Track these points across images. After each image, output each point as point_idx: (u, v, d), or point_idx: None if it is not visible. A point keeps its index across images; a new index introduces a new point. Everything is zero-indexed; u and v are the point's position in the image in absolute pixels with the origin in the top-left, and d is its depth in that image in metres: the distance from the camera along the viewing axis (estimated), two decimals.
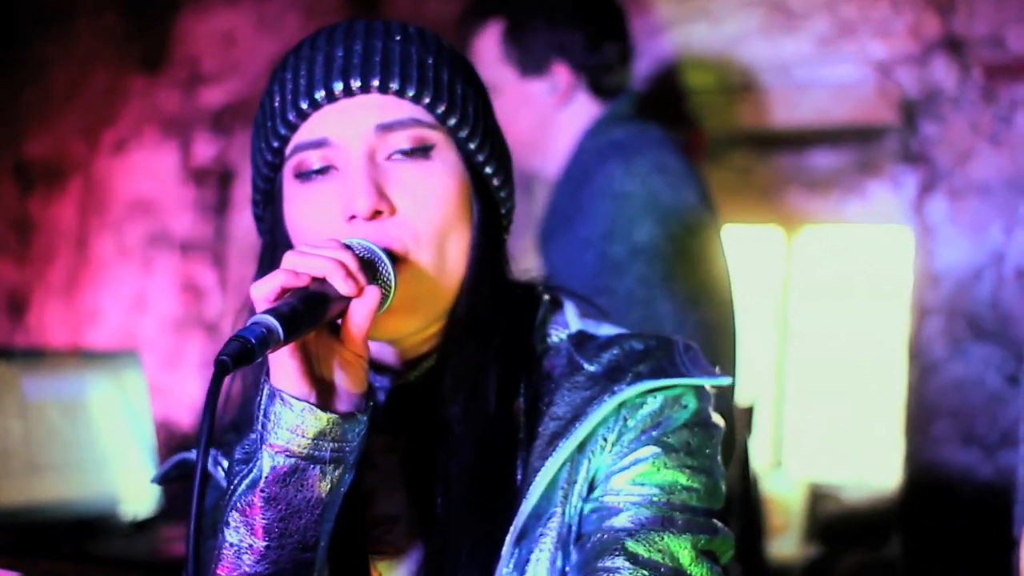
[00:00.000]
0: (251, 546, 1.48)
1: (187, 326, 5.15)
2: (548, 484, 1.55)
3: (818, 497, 4.55)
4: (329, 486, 1.48)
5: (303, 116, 1.57)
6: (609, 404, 1.57)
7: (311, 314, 1.40)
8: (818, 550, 4.47)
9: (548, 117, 3.24)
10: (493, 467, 1.57)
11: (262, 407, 1.47)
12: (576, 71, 3.23)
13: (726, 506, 1.64)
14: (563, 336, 1.68)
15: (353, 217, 1.53)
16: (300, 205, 1.58)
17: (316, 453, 1.46)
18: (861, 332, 4.77)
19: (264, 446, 1.47)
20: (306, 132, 1.57)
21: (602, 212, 2.99)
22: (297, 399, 1.45)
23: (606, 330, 1.69)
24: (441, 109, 1.58)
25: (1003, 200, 4.02)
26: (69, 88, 5.16)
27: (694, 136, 4.50)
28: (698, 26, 4.58)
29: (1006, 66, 4.08)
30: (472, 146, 1.61)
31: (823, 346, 4.81)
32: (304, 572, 1.51)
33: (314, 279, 1.42)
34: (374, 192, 1.52)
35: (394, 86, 1.55)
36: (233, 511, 1.50)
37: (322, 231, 1.54)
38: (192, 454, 1.70)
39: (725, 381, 1.64)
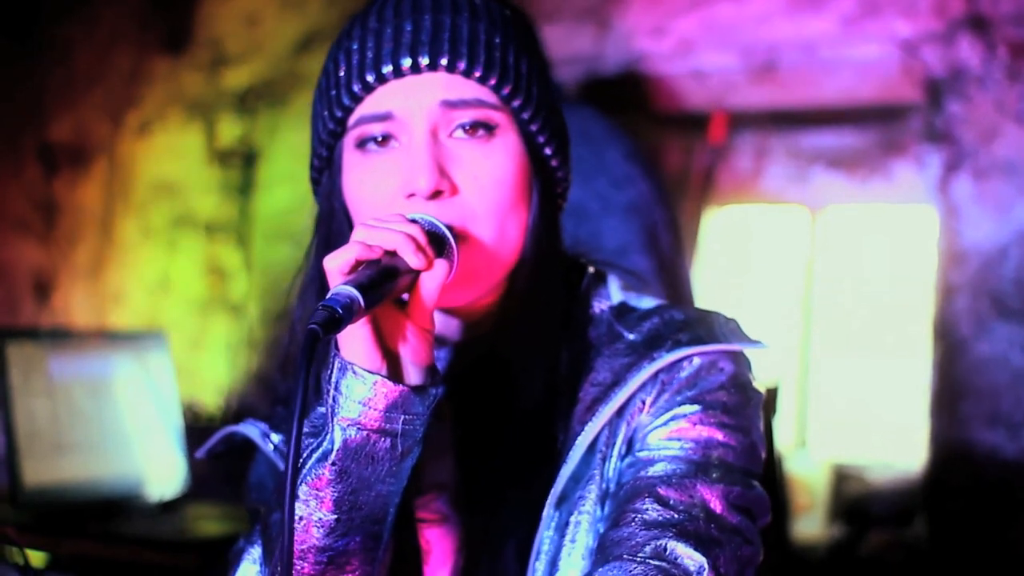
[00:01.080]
0: (321, 519, 1.49)
1: (212, 307, 5.17)
2: (587, 448, 1.56)
3: (842, 477, 4.54)
4: (400, 459, 1.48)
5: (368, 89, 1.56)
6: (648, 370, 1.58)
7: (386, 286, 1.40)
8: (842, 530, 4.47)
9: None
10: (536, 434, 1.58)
11: (333, 380, 1.46)
12: None
13: (763, 472, 1.64)
14: (604, 307, 1.69)
15: (412, 195, 1.53)
16: (360, 176, 1.57)
17: (388, 426, 1.46)
18: (886, 312, 4.76)
19: (335, 419, 1.47)
20: (371, 105, 1.56)
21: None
22: (369, 371, 1.44)
23: (647, 302, 1.70)
24: (506, 91, 1.57)
25: None
26: (93, 71, 5.17)
27: (717, 116, 4.49)
28: (723, 5, 4.57)
29: None
30: (534, 127, 1.60)
31: (847, 326, 4.80)
32: (372, 544, 1.52)
33: (385, 252, 1.42)
34: (435, 171, 1.51)
35: (462, 65, 1.54)
36: (303, 484, 1.49)
37: (381, 205, 1.54)
38: (240, 427, 1.72)
39: (762, 346, 1.64)
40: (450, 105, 1.54)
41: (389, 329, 1.47)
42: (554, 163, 1.64)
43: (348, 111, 1.58)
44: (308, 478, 1.50)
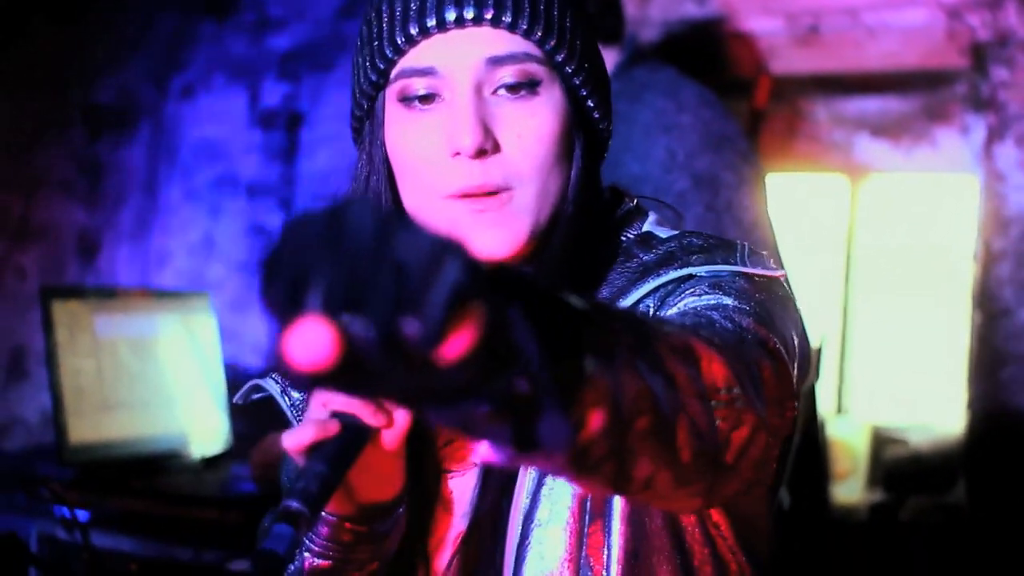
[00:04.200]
0: None
1: (255, 270, 5.19)
2: None
3: (883, 441, 4.54)
4: (370, 571, 1.55)
5: (412, 42, 1.55)
6: (651, 284, 1.57)
7: (342, 469, 1.37)
8: (883, 495, 4.47)
9: None
10: None
11: None
12: None
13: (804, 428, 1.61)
14: (631, 236, 1.68)
15: (458, 153, 1.52)
16: (404, 132, 1.57)
17: (352, 556, 1.52)
18: (927, 278, 4.74)
19: (302, 547, 1.53)
20: (413, 58, 1.55)
21: (658, 146, 2.99)
22: (332, 515, 1.50)
23: (674, 232, 1.68)
24: (551, 44, 1.55)
25: None
26: (138, 34, 5.19)
27: (761, 81, 4.48)
28: None
29: None
30: (577, 81, 1.59)
31: (889, 292, 4.79)
32: None
33: (342, 421, 1.39)
34: (480, 130, 1.51)
35: (507, 19, 1.52)
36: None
37: (427, 163, 1.54)
38: (262, 380, 1.73)
39: (779, 272, 1.61)
40: (495, 61, 1.53)
41: (359, 468, 1.43)
42: (596, 115, 1.63)
43: (391, 63, 1.57)
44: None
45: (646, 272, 1.60)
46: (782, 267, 2.53)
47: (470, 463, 1.63)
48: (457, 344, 0.84)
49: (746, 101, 4.43)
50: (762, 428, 1.27)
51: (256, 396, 1.74)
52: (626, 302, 1.57)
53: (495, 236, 1.54)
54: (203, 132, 5.30)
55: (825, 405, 4.47)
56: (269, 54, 5.28)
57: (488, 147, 1.52)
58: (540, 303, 0.94)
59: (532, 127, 1.54)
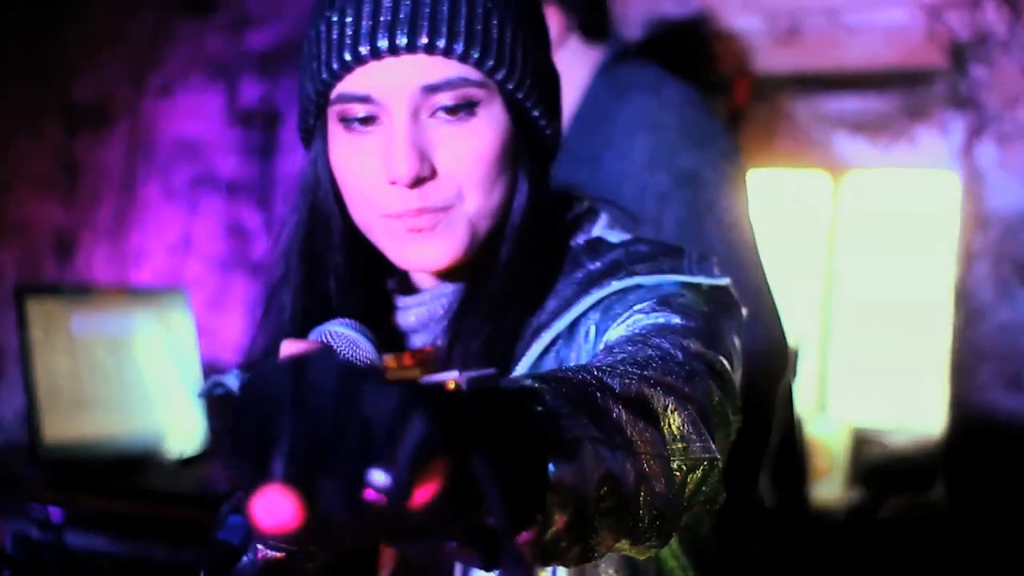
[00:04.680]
0: None
1: (232, 267, 5.17)
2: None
3: (862, 441, 4.54)
4: (323, 563, 1.52)
5: (348, 69, 1.54)
6: (595, 295, 1.58)
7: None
8: (862, 494, 4.47)
9: None
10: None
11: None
12: (567, 14, 3.20)
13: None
14: (581, 241, 1.68)
15: (395, 182, 1.53)
16: (345, 155, 1.57)
17: (305, 546, 1.49)
18: (907, 276, 4.75)
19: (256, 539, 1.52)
20: (351, 83, 1.54)
21: (639, 144, 2.98)
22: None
23: (622, 236, 1.68)
24: (489, 65, 1.54)
25: None
26: (116, 31, 5.17)
27: (740, 80, 4.48)
28: None
29: None
30: (520, 94, 1.58)
31: (869, 290, 4.79)
32: None
33: None
34: (415, 159, 1.50)
35: (441, 45, 1.51)
36: None
37: (366, 185, 1.55)
38: (224, 376, 1.73)
39: (724, 281, 1.62)
40: (431, 89, 1.52)
41: None
42: (543, 122, 1.63)
43: (329, 85, 1.57)
44: None
45: (591, 283, 1.60)
46: (759, 267, 2.52)
47: None
48: (423, 495, 0.86)
49: (727, 99, 4.42)
50: (715, 465, 1.32)
51: (218, 391, 1.73)
52: (570, 314, 1.58)
53: (433, 248, 1.55)
54: (181, 130, 5.28)
55: (805, 404, 4.47)
56: (247, 52, 5.26)
57: (425, 174, 1.52)
58: (504, 429, 0.99)
59: (470, 148, 1.54)
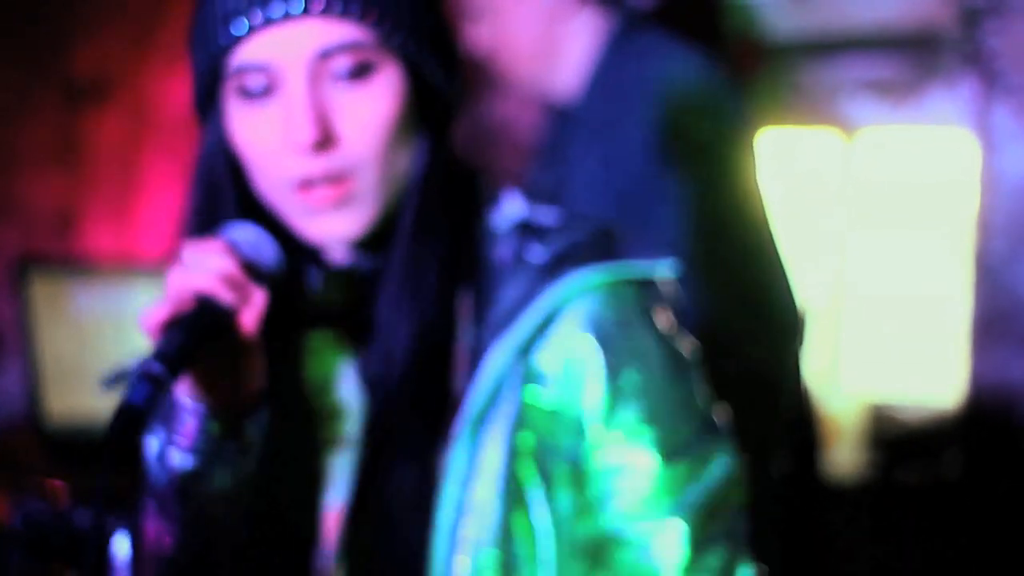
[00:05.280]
0: (171, 536, 1.57)
1: None
2: (492, 389, 1.54)
3: (875, 414, 4.53)
4: (236, 478, 1.53)
5: (243, 38, 1.50)
6: (543, 306, 1.56)
7: (198, 341, 1.42)
8: (876, 467, 4.45)
9: (556, 31, 3.18)
10: (429, 367, 1.55)
11: (167, 406, 1.51)
12: None
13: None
14: (507, 223, 1.63)
15: (297, 149, 1.50)
16: (245, 128, 1.54)
17: (218, 455, 1.51)
18: (921, 245, 4.73)
19: (171, 444, 1.52)
20: (246, 53, 1.50)
21: (652, 114, 2.96)
22: (193, 404, 1.49)
23: (552, 216, 1.64)
24: (386, 27, 1.51)
25: None
26: (118, 3, 5.14)
27: (747, 45, 4.47)
28: None
29: None
30: (417, 56, 1.54)
31: (881, 260, 4.77)
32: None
33: (199, 297, 1.43)
34: (315, 124, 1.48)
35: (336, 9, 1.48)
36: (152, 499, 1.58)
37: (269, 154, 1.52)
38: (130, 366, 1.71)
39: (662, 271, 1.61)
40: (326, 54, 1.49)
41: (219, 357, 1.48)
42: (442, 83, 1.59)
43: (223, 52, 1.52)
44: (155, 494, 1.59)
45: (539, 281, 1.58)
46: (770, 237, 2.50)
47: (344, 436, 1.64)
48: None
49: (739, 62, 4.41)
50: None
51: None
52: (517, 332, 1.56)
53: (340, 220, 1.53)
54: (184, 103, 5.25)
55: (818, 377, 4.45)
56: None
57: (325, 138, 1.49)
58: None
59: (368, 112, 1.51)
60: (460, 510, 1.53)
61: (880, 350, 4.78)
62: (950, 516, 4.12)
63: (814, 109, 4.60)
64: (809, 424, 4.01)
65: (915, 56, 4.41)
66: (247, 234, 1.52)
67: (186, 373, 1.43)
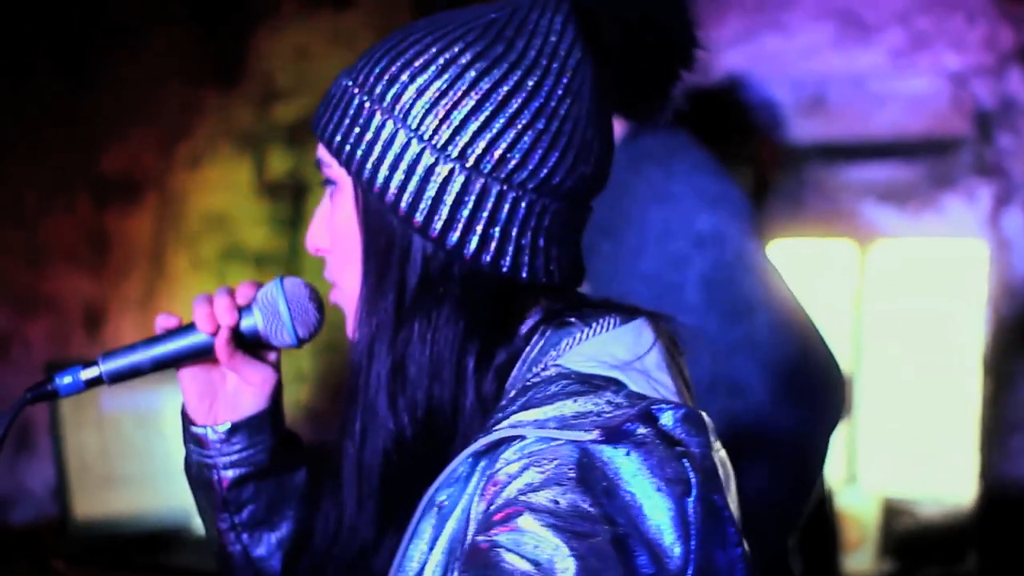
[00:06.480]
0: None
1: None
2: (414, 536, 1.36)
3: (893, 512, 4.51)
4: (238, 486, 1.67)
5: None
6: (464, 454, 1.34)
7: (159, 345, 1.62)
8: (893, 565, 4.43)
9: None
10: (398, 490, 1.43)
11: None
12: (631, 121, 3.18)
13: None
14: (551, 371, 1.40)
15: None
16: None
17: (265, 460, 1.65)
18: (935, 345, 4.73)
19: (214, 470, 1.70)
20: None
21: (651, 216, 2.98)
22: (195, 419, 1.68)
23: (578, 362, 1.40)
24: (346, 152, 1.49)
25: None
26: (144, 104, 5.21)
27: (767, 148, 4.48)
28: (771, 38, 4.56)
29: None
30: (365, 178, 1.48)
31: (897, 359, 4.77)
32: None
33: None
34: (314, 233, 1.57)
35: (318, 130, 1.54)
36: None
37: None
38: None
39: (587, 436, 1.20)
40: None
41: (221, 376, 1.65)
42: (399, 208, 1.47)
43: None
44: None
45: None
46: (799, 306, 2.49)
47: None
48: None
49: (753, 169, 4.43)
50: None
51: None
52: (441, 479, 1.35)
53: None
54: (210, 202, 5.31)
55: (835, 475, 4.45)
56: (276, 124, 5.29)
57: (319, 246, 1.58)
58: None
59: (334, 223, 1.54)
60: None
61: (895, 446, 4.77)
62: None
63: (829, 217, 4.61)
64: (828, 521, 4.01)
65: (929, 163, 4.43)
66: (295, 289, 1.60)
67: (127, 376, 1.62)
